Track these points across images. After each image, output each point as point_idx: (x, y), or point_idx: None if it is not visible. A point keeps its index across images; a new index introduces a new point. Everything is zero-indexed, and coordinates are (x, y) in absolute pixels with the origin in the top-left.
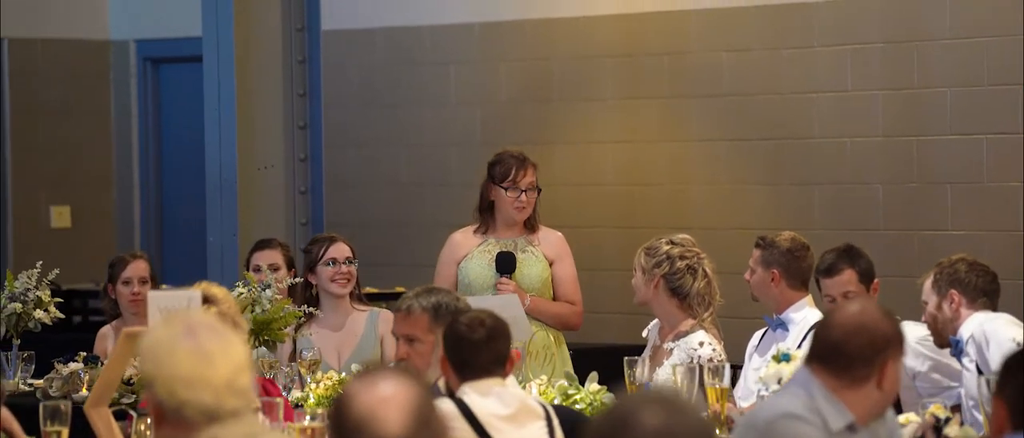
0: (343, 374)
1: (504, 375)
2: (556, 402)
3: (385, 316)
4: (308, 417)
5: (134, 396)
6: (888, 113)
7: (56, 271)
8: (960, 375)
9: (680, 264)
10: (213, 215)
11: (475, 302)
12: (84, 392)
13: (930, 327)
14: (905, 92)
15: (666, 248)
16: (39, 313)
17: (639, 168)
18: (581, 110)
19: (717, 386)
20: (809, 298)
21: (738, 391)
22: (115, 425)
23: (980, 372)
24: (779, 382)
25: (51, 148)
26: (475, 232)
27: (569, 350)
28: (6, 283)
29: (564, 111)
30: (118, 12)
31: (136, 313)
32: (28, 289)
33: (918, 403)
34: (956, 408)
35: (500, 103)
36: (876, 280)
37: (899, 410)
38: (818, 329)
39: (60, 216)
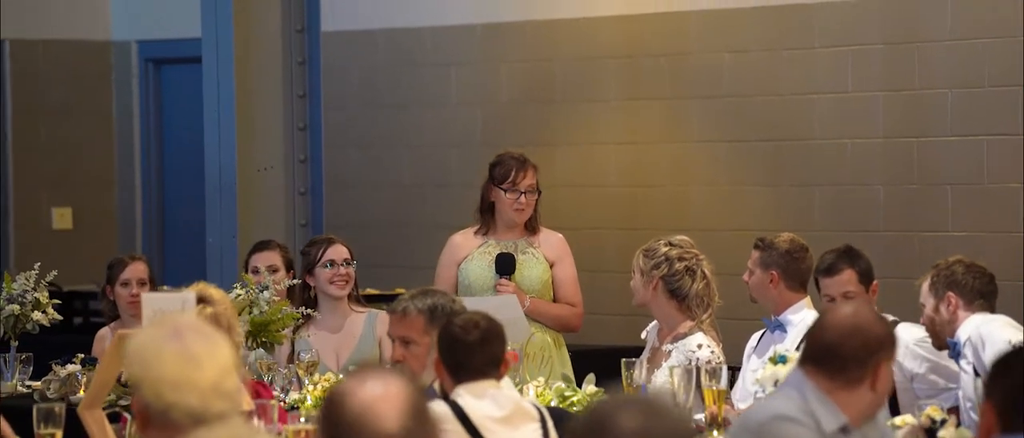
0: (341, 376)
1: (499, 377)
2: (553, 404)
3: (383, 317)
4: (302, 419)
5: (131, 398)
6: (888, 114)
7: (55, 272)
8: (958, 377)
9: (678, 266)
10: (213, 216)
11: (473, 303)
12: (82, 394)
13: (928, 329)
14: (905, 93)
15: (664, 250)
16: (37, 315)
17: (641, 169)
18: (582, 111)
19: (714, 388)
20: (808, 300)
21: (736, 393)
22: (109, 427)
23: (977, 374)
24: (776, 384)
25: (52, 149)
26: (475, 233)
27: (569, 352)
28: (4, 285)
29: (565, 112)
30: (119, 13)
31: (135, 315)
32: (26, 291)
33: (916, 405)
34: (954, 410)
35: (501, 104)
36: (875, 281)
37: (897, 412)
38: (812, 331)
39: (61, 217)
